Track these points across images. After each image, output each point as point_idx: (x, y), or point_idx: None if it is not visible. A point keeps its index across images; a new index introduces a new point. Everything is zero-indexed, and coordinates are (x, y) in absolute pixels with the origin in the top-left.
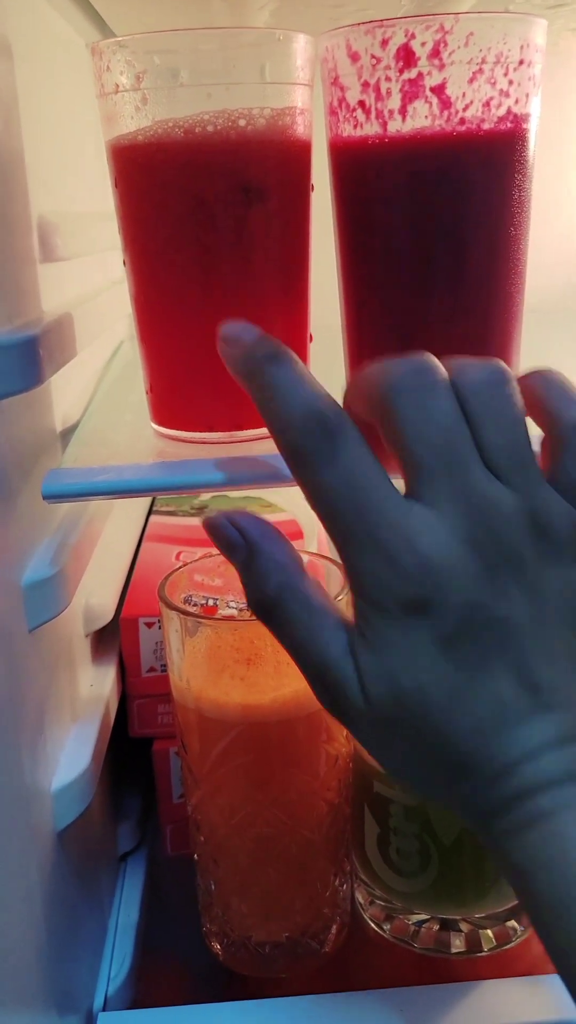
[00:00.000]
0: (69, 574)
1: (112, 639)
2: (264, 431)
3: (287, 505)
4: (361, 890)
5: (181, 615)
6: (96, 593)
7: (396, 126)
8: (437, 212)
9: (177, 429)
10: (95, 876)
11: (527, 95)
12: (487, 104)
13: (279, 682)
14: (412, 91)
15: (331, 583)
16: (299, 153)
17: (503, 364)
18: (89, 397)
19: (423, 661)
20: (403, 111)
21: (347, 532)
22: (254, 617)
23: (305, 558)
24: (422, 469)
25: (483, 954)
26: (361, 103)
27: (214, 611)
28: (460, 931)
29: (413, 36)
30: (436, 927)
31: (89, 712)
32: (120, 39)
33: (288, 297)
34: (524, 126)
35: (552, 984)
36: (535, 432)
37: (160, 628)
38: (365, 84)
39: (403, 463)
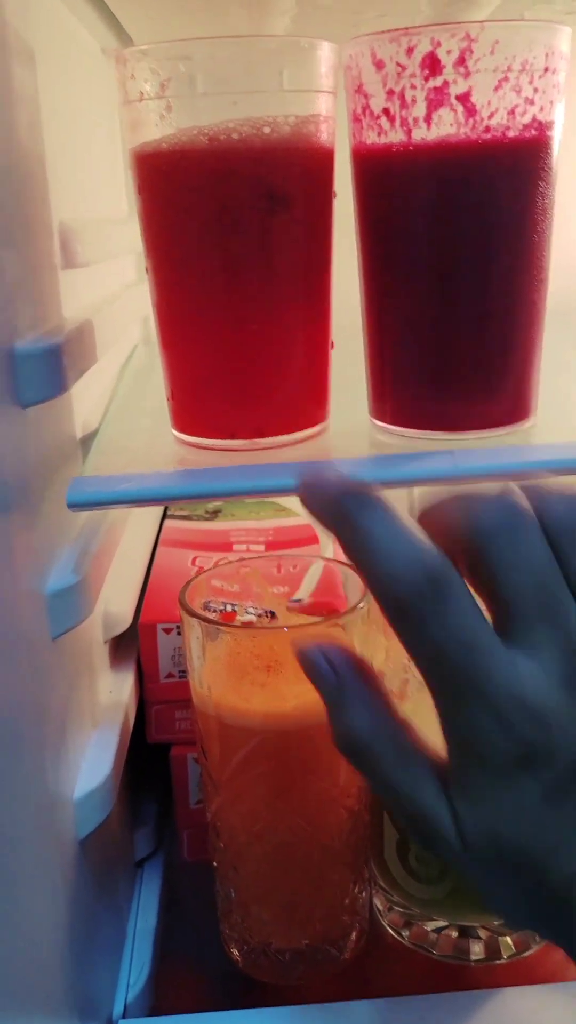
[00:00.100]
0: (91, 582)
1: (129, 645)
2: (287, 438)
3: (302, 509)
4: (380, 897)
5: (202, 622)
6: (114, 599)
7: (421, 134)
8: (461, 220)
9: (199, 436)
10: (114, 882)
11: (551, 102)
12: (512, 112)
13: (300, 689)
14: (437, 99)
15: (349, 588)
16: (323, 160)
17: None
18: (106, 403)
19: (527, 815)
20: (428, 119)
21: (453, 688)
22: (274, 624)
23: (321, 562)
24: (519, 616)
25: (502, 961)
26: (386, 111)
27: (232, 617)
28: (479, 938)
29: (439, 44)
30: (455, 934)
31: (109, 719)
32: (145, 47)
33: (311, 304)
34: (548, 133)
35: (572, 991)
36: None
37: (178, 634)
38: (390, 92)
39: (496, 605)
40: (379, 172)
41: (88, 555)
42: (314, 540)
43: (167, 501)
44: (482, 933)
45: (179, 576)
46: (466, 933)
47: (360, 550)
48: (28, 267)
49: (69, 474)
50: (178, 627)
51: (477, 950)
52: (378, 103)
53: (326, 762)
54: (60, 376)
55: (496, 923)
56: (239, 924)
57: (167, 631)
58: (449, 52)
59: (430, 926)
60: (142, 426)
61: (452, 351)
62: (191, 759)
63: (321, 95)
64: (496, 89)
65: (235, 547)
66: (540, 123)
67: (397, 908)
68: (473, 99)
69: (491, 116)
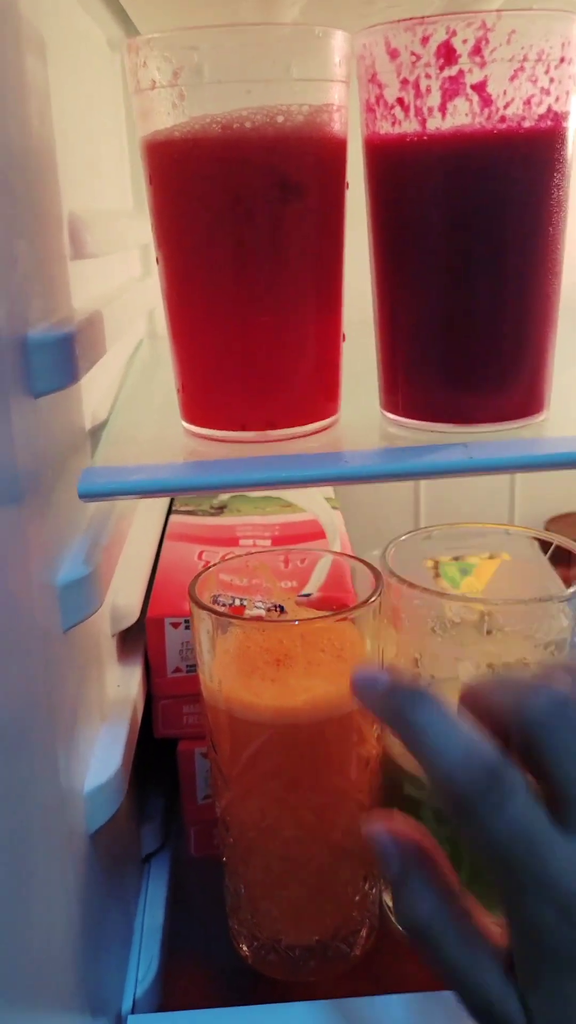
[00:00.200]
0: (102, 573)
1: (136, 639)
2: (297, 430)
3: (308, 505)
4: (389, 893)
5: (213, 615)
6: (122, 593)
7: (435, 123)
8: (475, 210)
9: (209, 428)
10: (122, 878)
11: (567, 93)
12: (528, 102)
13: (310, 683)
14: (453, 88)
15: (357, 582)
16: (336, 150)
17: None
18: (114, 396)
19: None
20: (443, 108)
21: (516, 881)
22: (283, 618)
23: (330, 557)
24: (573, 803)
25: None
26: (400, 100)
27: (241, 611)
28: None
29: (455, 33)
30: None
31: (117, 713)
32: (158, 35)
33: (322, 295)
34: (564, 124)
35: None
36: None
37: (186, 628)
38: (404, 81)
39: (552, 790)
40: (393, 162)
41: (98, 547)
42: (320, 536)
43: (178, 492)
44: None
45: (186, 571)
46: None
47: (416, 747)
48: (39, 256)
49: (79, 466)
50: (186, 621)
51: None
52: (392, 93)
53: (336, 756)
54: (72, 365)
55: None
56: (248, 920)
57: (175, 625)
58: (465, 41)
59: None
60: (150, 419)
61: (465, 343)
62: (198, 754)
63: (335, 84)
64: (512, 79)
65: (241, 542)
66: (556, 113)
67: None
68: (488, 89)
69: (507, 106)
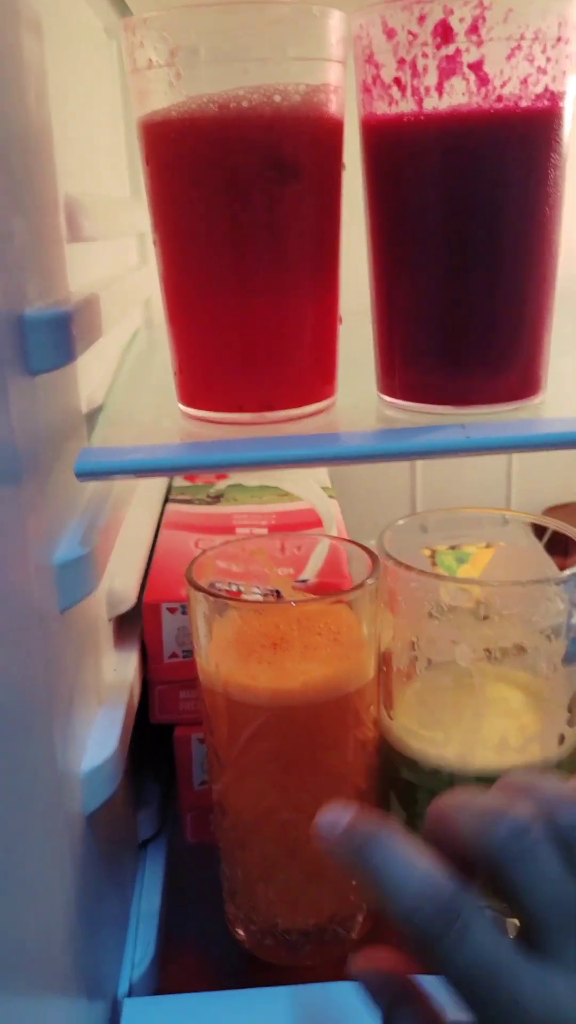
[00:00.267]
0: (99, 554)
1: (133, 624)
2: (294, 412)
3: (304, 494)
4: None
5: (209, 597)
6: (118, 577)
7: (432, 103)
8: (472, 190)
9: (206, 410)
10: (118, 862)
11: (564, 72)
12: (524, 81)
13: (307, 666)
14: (449, 68)
15: (354, 567)
16: (332, 131)
17: None
18: (110, 381)
19: None
20: (440, 88)
21: (488, 1015)
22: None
23: (327, 542)
24: (546, 929)
25: None
26: (397, 80)
27: (238, 596)
28: None
29: (451, 12)
30: None
31: (114, 696)
32: (155, 14)
33: (319, 277)
34: (561, 104)
35: None
36: None
37: (183, 613)
38: (401, 61)
39: (522, 917)
40: (389, 142)
41: (95, 528)
42: (317, 524)
43: (175, 471)
44: (488, 913)
45: (182, 558)
46: None
47: (375, 888)
48: (36, 236)
49: (76, 448)
50: (183, 606)
51: None
52: (389, 72)
53: (333, 739)
54: (68, 344)
55: (502, 904)
56: (245, 904)
57: (171, 610)
58: (461, 20)
59: None
60: (148, 401)
61: (462, 324)
62: (195, 740)
63: (332, 64)
64: (509, 58)
65: (238, 530)
66: (553, 93)
67: None
68: (486, 68)
69: (503, 85)
